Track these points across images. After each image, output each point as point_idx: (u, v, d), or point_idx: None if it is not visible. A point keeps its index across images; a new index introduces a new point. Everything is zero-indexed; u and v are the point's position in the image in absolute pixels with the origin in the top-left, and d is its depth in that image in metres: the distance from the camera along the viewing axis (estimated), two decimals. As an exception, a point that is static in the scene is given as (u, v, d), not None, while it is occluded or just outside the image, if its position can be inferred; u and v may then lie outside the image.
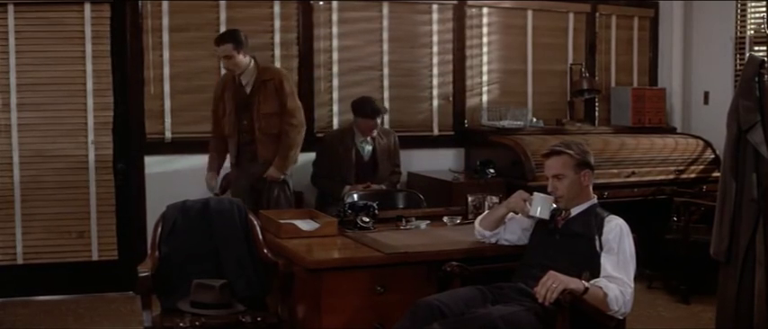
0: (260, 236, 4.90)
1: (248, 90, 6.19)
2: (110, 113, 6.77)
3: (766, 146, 4.63)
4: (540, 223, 4.36)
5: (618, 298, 3.92)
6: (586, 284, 3.88)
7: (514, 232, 4.51)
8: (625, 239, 4.10)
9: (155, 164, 6.83)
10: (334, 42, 7.12)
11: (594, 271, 3.99)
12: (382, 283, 4.28)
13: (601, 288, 3.91)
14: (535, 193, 4.36)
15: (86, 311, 6.45)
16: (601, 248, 4.07)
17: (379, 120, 6.59)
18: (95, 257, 6.83)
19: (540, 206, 4.27)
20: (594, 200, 4.30)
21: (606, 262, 4.03)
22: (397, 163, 6.87)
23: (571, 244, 4.15)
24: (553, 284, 3.81)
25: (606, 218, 4.16)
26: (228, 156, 6.44)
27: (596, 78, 7.92)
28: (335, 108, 7.15)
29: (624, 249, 4.08)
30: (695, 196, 6.90)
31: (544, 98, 7.90)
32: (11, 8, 6.58)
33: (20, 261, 6.73)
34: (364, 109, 6.57)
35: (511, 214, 4.50)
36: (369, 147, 6.71)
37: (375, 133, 6.65)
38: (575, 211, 4.25)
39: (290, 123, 6.14)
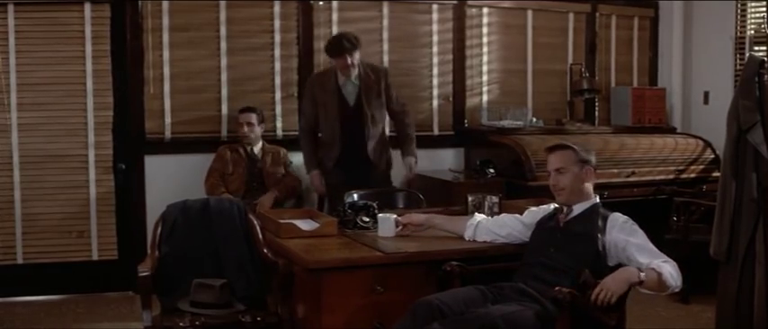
0: (260, 236, 4.89)
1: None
2: (110, 113, 6.78)
3: (766, 146, 4.63)
4: (541, 222, 4.38)
5: (672, 274, 3.95)
6: (642, 273, 3.90)
7: (493, 232, 4.56)
8: (637, 227, 4.15)
9: (154, 164, 6.83)
10: (332, 42, 7.07)
11: (596, 271, 3.98)
12: (382, 283, 4.27)
13: (653, 269, 3.93)
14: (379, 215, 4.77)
15: (86, 311, 6.46)
16: (603, 248, 4.08)
17: (351, 57, 6.21)
18: (95, 257, 6.84)
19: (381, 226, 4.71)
20: (596, 199, 4.31)
21: (636, 253, 4.04)
22: (402, 102, 6.64)
23: (572, 243, 4.15)
24: (605, 296, 3.83)
25: (610, 217, 4.18)
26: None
27: (596, 78, 7.92)
28: (336, 107, 7.08)
29: (643, 235, 4.12)
30: (695, 196, 6.90)
31: (544, 98, 7.90)
32: (11, 8, 6.58)
33: (20, 260, 6.74)
34: (329, 48, 6.35)
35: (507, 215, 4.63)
36: (353, 89, 6.38)
37: (354, 71, 6.30)
38: (576, 210, 4.25)
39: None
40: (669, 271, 3.95)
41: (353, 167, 6.38)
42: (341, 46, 6.17)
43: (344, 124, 6.33)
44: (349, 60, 6.16)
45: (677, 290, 4.10)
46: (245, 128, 6.55)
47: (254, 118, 6.57)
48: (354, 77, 6.28)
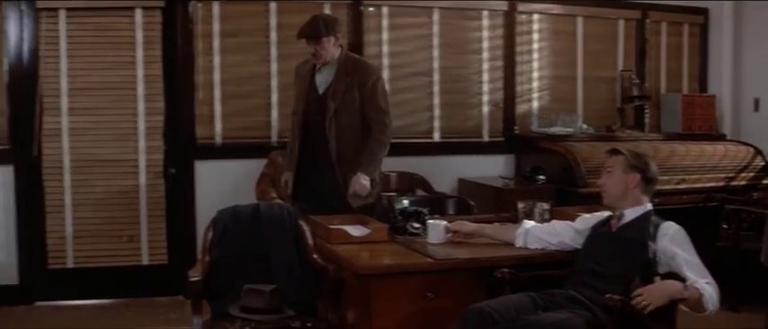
0: (310, 241, 4.88)
1: None
2: (160, 118, 6.81)
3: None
4: (594, 228, 4.36)
5: (712, 298, 3.94)
6: (685, 291, 3.90)
7: (544, 240, 4.53)
8: (688, 239, 4.12)
9: (205, 169, 6.85)
10: (385, 48, 7.12)
11: (646, 278, 3.95)
12: (432, 289, 4.25)
13: (698, 289, 3.92)
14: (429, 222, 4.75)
15: (136, 315, 6.48)
16: (654, 255, 4.05)
17: (315, 45, 5.53)
18: (145, 261, 6.88)
19: (432, 232, 4.68)
20: (649, 207, 4.27)
21: (684, 266, 4.02)
22: (382, 109, 5.60)
23: (623, 250, 4.12)
24: (642, 302, 3.81)
25: (662, 225, 4.15)
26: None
27: (646, 85, 7.84)
28: (388, 113, 7.07)
29: (692, 249, 4.09)
30: (745, 203, 6.84)
31: (594, 104, 7.84)
32: (62, 13, 6.63)
33: (70, 264, 6.80)
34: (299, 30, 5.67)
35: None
36: (325, 79, 5.61)
37: (323, 60, 5.57)
38: (628, 216, 4.22)
39: None
40: (711, 293, 3.94)
41: (313, 170, 5.64)
42: (303, 30, 5.57)
43: (307, 114, 5.60)
44: (312, 48, 5.52)
45: (711, 315, 4.05)
46: None
47: None
48: (331, 65, 5.56)
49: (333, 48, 5.52)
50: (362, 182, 5.46)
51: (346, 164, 5.52)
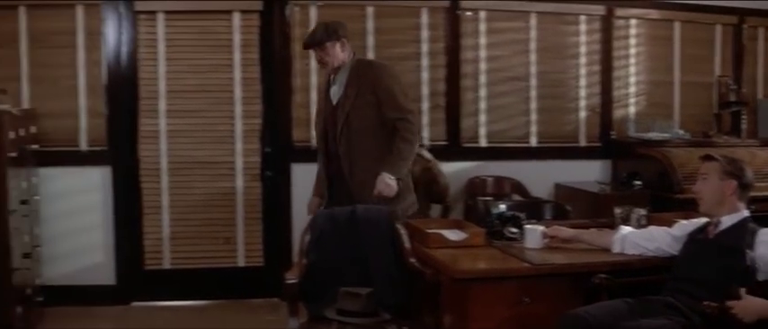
0: (407, 245, 4.87)
1: None
2: (258, 121, 6.85)
3: None
4: (690, 235, 4.31)
5: None
6: None
7: (641, 246, 4.48)
8: None
9: (301, 172, 6.82)
10: (482, 53, 7.08)
11: (744, 286, 3.85)
12: (529, 294, 4.22)
13: None
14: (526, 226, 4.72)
15: (231, 316, 6.51)
16: (752, 263, 3.98)
17: (318, 52, 5.28)
18: (241, 263, 6.91)
19: (529, 237, 4.65)
20: (746, 213, 4.22)
21: None
22: (405, 107, 5.25)
23: (721, 257, 4.06)
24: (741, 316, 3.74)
25: (759, 232, 4.08)
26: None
27: (743, 90, 7.71)
28: (482, 118, 7.09)
29: None
30: (843, 209, 6.68)
31: (691, 110, 7.72)
32: (161, 16, 6.68)
33: (167, 265, 6.86)
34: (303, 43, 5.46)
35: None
36: (338, 89, 5.30)
37: (330, 67, 5.30)
38: (725, 223, 4.17)
39: None
40: None
41: (335, 188, 5.38)
42: (305, 40, 5.36)
43: (327, 129, 5.33)
44: (318, 56, 5.30)
45: None
46: None
47: None
48: (342, 72, 5.27)
49: (339, 54, 5.23)
50: (388, 181, 5.10)
51: (360, 173, 5.22)
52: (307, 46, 5.32)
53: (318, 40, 5.21)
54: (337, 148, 5.21)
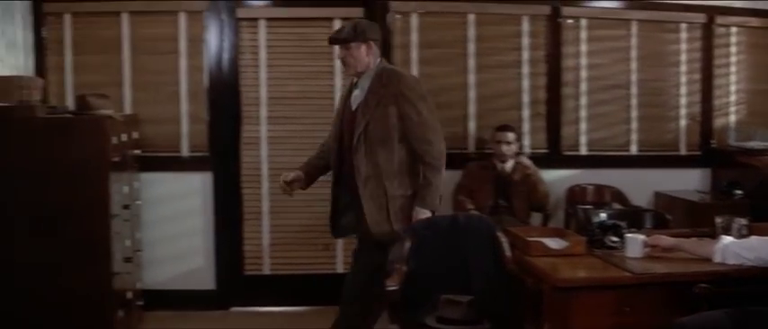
0: (508, 253, 4.86)
1: None
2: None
3: None
4: None
5: None
6: None
7: (742, 256, 4.40)
8: None
9: (400, 179, 6.83)
10: (583, 60, 7.04)
11: None
12: (630, 304, 4.21)
13: None
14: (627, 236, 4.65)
15: (329, 323, 6.49)
16: None
17: (341, 50, 5.01)
18: (340, 269, 6.92)
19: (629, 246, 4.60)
20: None
21: None
22: (430, 124, 4.96)
23: None
24: None
25: None
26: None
27: None
28: (583, 126, 7.05)
29: None
30: None
31: (793, 119, 7.64)
32: (262, 23, 6.72)
33: (266, 271, 6.89)
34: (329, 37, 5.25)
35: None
36: (359, 92, 5.03)
37: (350, 69, 5.06)
38: None
39: None
40: None
41: (345, 197, 5.20)
42: (331, 35, 5.14)
43: (343, 133, 5.09)
44: (341, 54, 5.01)
45: None
46: (504, 147, 6.49)
47: (511, 137, 6.50)
48: (365, 77, 4.98)
49: (364, 57, 4.93)
50: (422, 217, 4.93)
51: (372, 187, 4.97)
52: (331, 41, 5.08)
53: (343, 38, 4.94)
54: (352, 155, 4.95)
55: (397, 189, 4.96)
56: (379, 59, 4.99)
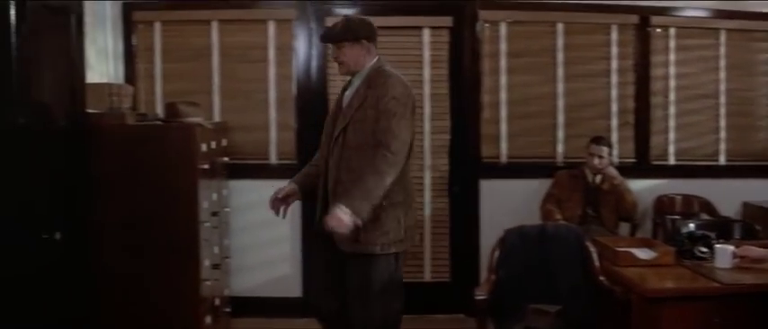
0: (596, 263, 4.87)
1: None
2: (446, 137, 6.87)
3: None
4: None
5: None
6: None
7: None
8: None
9: (489, 188, 6.86)
10: (671, 70, 7.01)
11: None
12: (719, 314, 4.22)
13: None
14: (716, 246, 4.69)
15: (418, 330, 6.53)
16: None
17: (333, 49, 4.64)
18: (428, 278, 6.93)
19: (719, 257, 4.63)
20: None
21: None
22: (389, 128, 4.32)
23: None
24: None
25: None
26: None
27: None
28: (671, 136, 7.02)
29: None
30: None
31: None
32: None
33: (354, 279, 6.85)
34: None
35: None
36: (350, 92, 4.59)
37: (342, 68, 4.65)
38: None
39: None
40: None
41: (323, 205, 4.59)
42: (322, 32, 4.84)
43: (327, 135, 4.65)
44: (332, 54, 4.66)
45: None
46: (596, 161, 6.47)
47: (605, 151, 6.47)
48: (358, 77, 4.56)
49: (358, 56, 4.51)
50: (339, 214, 4.17)
51: (342, 190, 4.42)
52: (323, 39, 4.76)
53: (334, 36, 4.55)
54: (328, 157, 4.50)
55: None
56: (375, 59, 4.56)
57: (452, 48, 6.84)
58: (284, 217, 4.78)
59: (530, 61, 6.89)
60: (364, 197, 4.19)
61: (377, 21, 6.44)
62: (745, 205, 7.04)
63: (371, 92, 4.39)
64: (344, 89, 4.66)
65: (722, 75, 7.11)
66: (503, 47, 6.85)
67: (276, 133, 6.80)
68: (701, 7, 7.01)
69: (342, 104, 4.55)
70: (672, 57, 7.00)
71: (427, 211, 6.88)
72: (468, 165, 6.88)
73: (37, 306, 4.13)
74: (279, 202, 4.76)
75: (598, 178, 6.52)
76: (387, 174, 4.24)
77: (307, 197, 4.85)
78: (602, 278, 4.82)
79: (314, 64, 6.77)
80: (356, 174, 4.29)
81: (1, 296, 3.74)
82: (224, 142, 6.35)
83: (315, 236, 4.67)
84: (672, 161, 7.04)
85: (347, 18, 4.65)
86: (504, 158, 6.87)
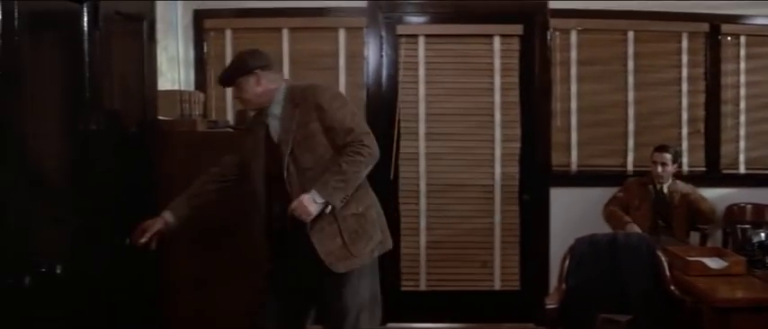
0: (667, 273, 4.87)
1: None
2: (517, 145, 6.87)
3: None
4: None
5: None
6: None
7: None
8: None
9: (559, 196, 6.86)
10: (742, 78, 6.97)
11: None
12: None
13: None
14: None
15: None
16: None
17: (235, 89, 4.35)
18: (497, 287, 6.93)
19: None
20: None
21: None
22: (357, 130, 4.19)
23: None
24: None
25: None
26: None
27: None
28: (742, 144, 6.99)
29: None
30: None
31: None
32: (421, 39, 6.78)
33: (423, 287, 6.90)
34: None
35: None
36: (275, 123, 4.31)
37: (249, 105, 4.43)
38: None
39: None
40: None
41: (292, 245, 4.35)
42: (218, 79, 4.45)
43: (270, 171, 4.31)
44: (233, 94, 4.45)
45: None
46: (659, 168, 6.46)
47: (668, 158, 6.47)
48: (274, 105, 4.30)
49: (256, 88, 4.27)
50: (305, 202, 4.06)
51: (320, 234, 4.19)
52: (220, 83, 4.45)
53: (228, 78, 4.33)
54: (289, 190, 4.17)
55: (345, 208, 4.18)
56: (281, 83, 4.35)
57: (523, 56, 6.84)
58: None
59: (600, 69, 6.87)
60: (339, 184, 4.07)
61: (447, 28, 6.58)
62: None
63: (302, 108, 4.19)
64: (254, 124, 4.46)
65: (793, 83, 7.09)
66: (573, 55, 6.83)
67: (346, 140, 6.79)
68: (773, 15, 7.00)
69: (271, 136, 4.29)
70: (742, 65, 6.95)
71: (497, 219, 6.87)
72: (538, 174, 6.87)
73: (109, 308, 4.11)
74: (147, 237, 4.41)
75: (666, 187, 6.51)
76: (362, 161, 4.13)
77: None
78: (672, 287, 4.82)
79: (384, 72, 6.78)
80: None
81: (76, 298, 3.73)
82: (295, 149, 6.34)
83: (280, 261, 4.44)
84: (742, 170, 7.01)
85: (236, 55, 4.44)
86: (574, 167, 6.86)
